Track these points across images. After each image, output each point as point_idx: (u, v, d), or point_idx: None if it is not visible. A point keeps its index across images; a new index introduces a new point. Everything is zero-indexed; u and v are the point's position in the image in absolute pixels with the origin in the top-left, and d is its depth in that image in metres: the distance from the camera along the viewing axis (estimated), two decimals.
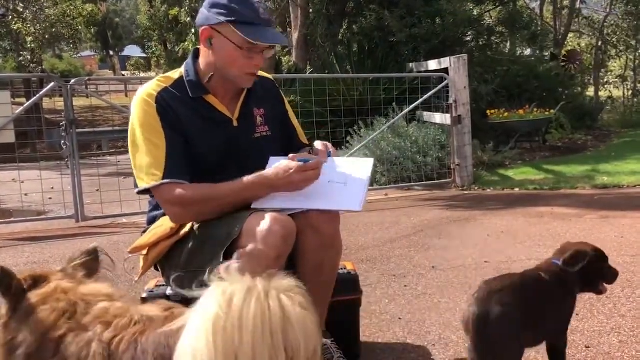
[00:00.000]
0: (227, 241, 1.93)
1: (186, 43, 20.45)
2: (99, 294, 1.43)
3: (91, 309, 1.37)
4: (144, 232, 2.21)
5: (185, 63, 2.24)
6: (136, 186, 2.11)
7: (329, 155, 2.20)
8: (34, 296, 1.42)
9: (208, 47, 2.12)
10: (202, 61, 2.19)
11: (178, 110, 2.10)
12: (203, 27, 2.12)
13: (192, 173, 2.08)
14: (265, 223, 1.92)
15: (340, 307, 2.35)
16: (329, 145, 2.26)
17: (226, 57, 2.11)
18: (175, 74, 2.22)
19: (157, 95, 2.10)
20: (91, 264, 1.59)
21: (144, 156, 2.05)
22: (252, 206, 2.04)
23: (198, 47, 2.26)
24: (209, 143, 2.14)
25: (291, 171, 2.01)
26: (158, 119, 2.07)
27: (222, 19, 2.06)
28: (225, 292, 1.02)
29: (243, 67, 2.12)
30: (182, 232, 2.07)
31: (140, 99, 2.11)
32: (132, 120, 2.11)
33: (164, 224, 2.10)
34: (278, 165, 2.05)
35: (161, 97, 2.10)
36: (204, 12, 2.12)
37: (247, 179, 2.04)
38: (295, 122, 2.48)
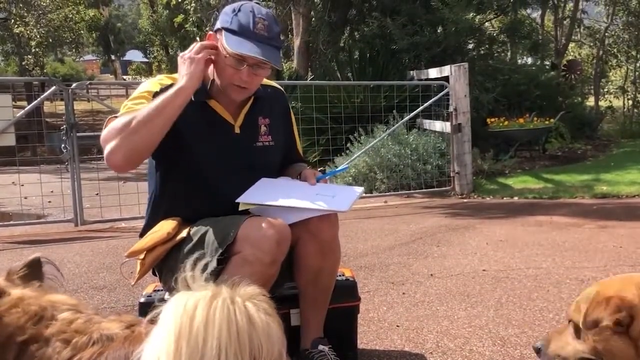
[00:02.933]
0: (222, 246, 1.94)
1: None
2: (65, 302, 1.43)
3: (57, 316, 1.37)
4: (141, 236, 2.21)
5: None
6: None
7: (318, 180, 2.24)
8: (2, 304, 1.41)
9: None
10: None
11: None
12: (209, 33, 2.16)
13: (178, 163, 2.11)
14: (259, 228, 1.93)
15: (338, 313, 2.35)
16: (317, 172, 2.31)
17: (217, 64, 2.13)
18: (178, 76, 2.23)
19: (162, 88, 2.12)
20: (33, 276, 1.54)
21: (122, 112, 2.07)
22: (238, 200, 2.06)
23: None
24: (208, 147, 2.15)
25: (182, 58, 2.08)
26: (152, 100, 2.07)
27: (219, 25, 2.11)
28: (189, 298, 1.03)
29: (229, 77, 2.11)
30: (179, 236, 2.07)
31: (148, 83, 2.19)
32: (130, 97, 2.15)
33: (161, 229, 2.10)
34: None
35: (166, 89, 2.09)
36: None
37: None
38: (296, 134, 2.49)
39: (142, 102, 2.07)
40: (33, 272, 1.55)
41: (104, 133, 2.03)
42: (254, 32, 2.06)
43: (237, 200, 2.06)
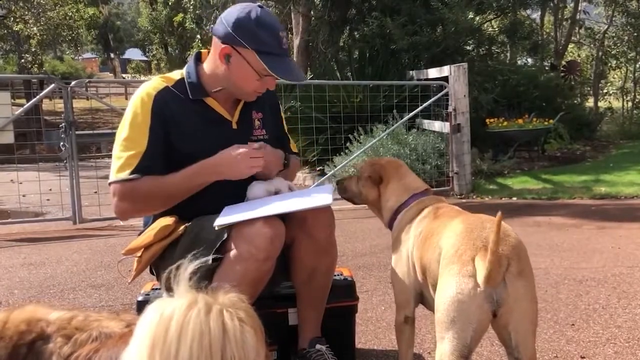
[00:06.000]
0: (215, 243, 1.94)
1: (193, 49, 20.50)
2: (45, 306, 1.44)
3: (50, 318, 1.38)
4: (140, 234, 2.21)
5: (187, 65, 2.26)
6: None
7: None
8: None
9: (225, 63, 2.12)
10: (209, 68, 2.19)
11: (175, 111, 2.13)
12: (224, 45, 2.11)
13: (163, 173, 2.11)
14: (253, 225, 1.93)
15: (336, 313, 2.35)
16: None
17: (242, 77, 2.13)
18: (176, 75, 2.24)
19: (157, 94, 2.13)
20: None
21: (122, 150, 2.10)
22: (215, 224, 1.98)
23: (200, 50, 2.29)
24: (207, 144, 2.15)
25: (237, 155, 2.07)
26: (149, 119, 2.09)
27: (247, 45, 2.08)
28: (167, 307, 1.04)
29: (255, 88, 2.17)
30: (175, 234, 2.08)
31: (139, 97, 2.14)
32: (125, 115, 2.15)
33: (158, 226, 2.11)
34: (225, 151, 2.10)
35: (160, 96, 2.12)
36: (225, 28, 2.10)
37: (192, 166, 2.08)
38: (286, 129, 2.53)
39: (139, 141, 2.09)
40: None
41: (120, 193, 2.08)
42: (282, 48, 2.13)
43: (214, 224, 1.99)
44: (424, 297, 2.04)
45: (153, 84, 2.19)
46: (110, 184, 2.12)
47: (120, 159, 2.09)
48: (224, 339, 1.02)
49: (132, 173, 2.06)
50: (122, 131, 2.12)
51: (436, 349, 1.70)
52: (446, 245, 1.78)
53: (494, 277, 1.58)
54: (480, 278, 1.59)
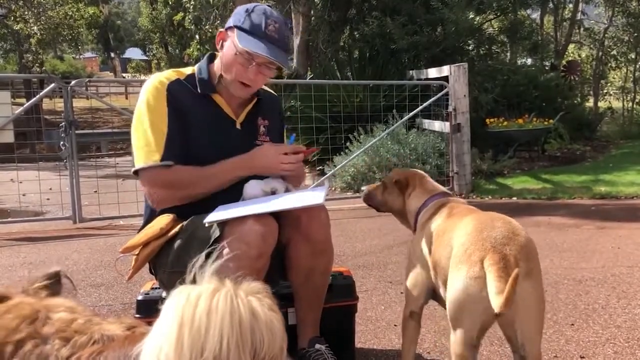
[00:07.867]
0: (209, 241, 1.94)
1: (190, 49, 20.50)
2: (62, 305, 1.42)
3: (52, 317, 1.36)
4: (140, 232, 2.22)
5: (199, 62, 2.32)
6: (135, 174, 2.17)
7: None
8: None
9: (219, 48, 2.22)
10: (216, 63, 2.26)
11: (185, 102, 2.17)
12: (220, 30, 2.22)
13: (185, 162, 2.13)
14: (245, 222, 1.94)
15: (335, 312, 2.36)
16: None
17: (226, 60, 2.18)
18: (188, 70, 2.29)
19: (169, 84, 2.18)
20: (53, 288, 1.55)
21: (146, 137, 2.12)
22: (205, 220, 1.99)
23: (214, 52, 2.34)
24: (210, 139, 2.18)
25: (270, 153, 2.15)
26: (165, 106, 2.13)
27: (232, 23, 2.16)
28: (192, 290, 1.04)
29: (237, 74, 2.16)
30: (172, 232, 2.09)
31: (152, 85, 2.18)
32: (140, 104, 2.17)
33: (155, 225, 2.12)
34: (259, 148, 2.19)
35: (172, 86, 2.18)
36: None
37: (227, 161, 2.14)
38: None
39: (160, 127, 2.11)
40: (52, 284, 1.55)
41: (153, 180, 2.12)
42: (265, 32, 2.13)
43: (204, 221, 2.00)
44: (435, 294, 2.08)
45: (165, 74, 2.24)
46: (138, 171, 2.13)
47: (146, 146, 2.11)
48: (253, 321, 1.02)
49: (162, 160, 2.09)
50: (140, 117, 2.14)
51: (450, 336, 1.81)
52: (456, 244, 1.83)
53: (509, 303, 1.58)
54: (494, 301, 1.59)
